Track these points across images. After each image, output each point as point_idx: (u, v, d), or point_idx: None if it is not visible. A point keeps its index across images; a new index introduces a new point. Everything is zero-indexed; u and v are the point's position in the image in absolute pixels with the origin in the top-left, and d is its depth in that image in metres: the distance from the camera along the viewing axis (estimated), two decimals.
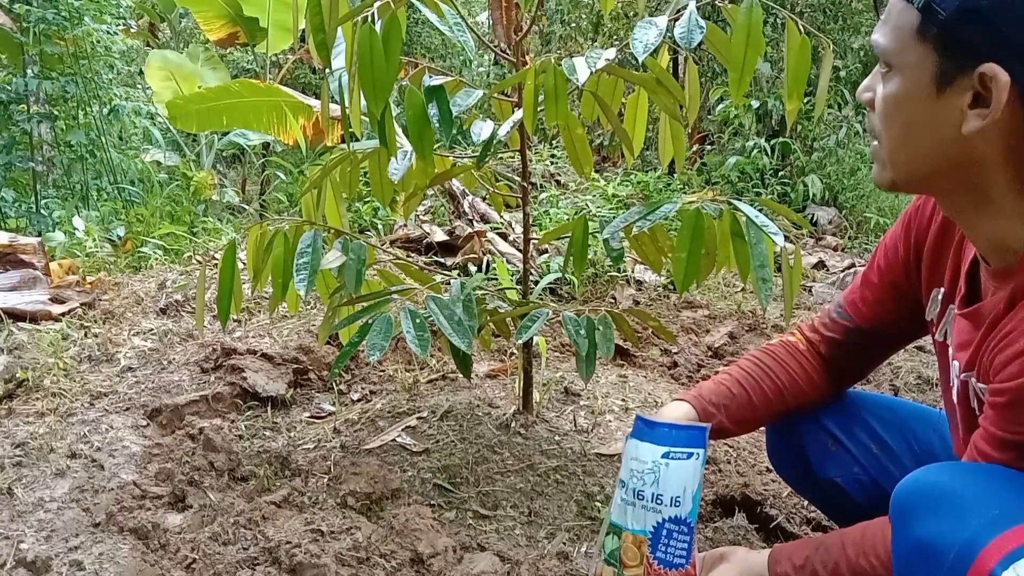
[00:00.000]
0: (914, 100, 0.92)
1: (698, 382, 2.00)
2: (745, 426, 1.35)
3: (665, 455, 1.16)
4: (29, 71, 4.15)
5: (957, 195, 0.97)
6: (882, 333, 1.28)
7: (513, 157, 1.85)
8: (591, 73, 1.35)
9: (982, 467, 0.94)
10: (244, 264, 2.01)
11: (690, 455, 1.16)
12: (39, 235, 3.48)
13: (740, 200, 1.44)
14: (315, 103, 4.01)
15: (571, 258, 1.65)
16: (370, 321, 1.53)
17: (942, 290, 1.13)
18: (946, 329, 1.11)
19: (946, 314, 1.11)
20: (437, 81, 1.46)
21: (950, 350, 1.08)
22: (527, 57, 1.71)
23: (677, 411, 1.27)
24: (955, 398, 1.07)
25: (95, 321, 2.47)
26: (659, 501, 1.15)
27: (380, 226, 3.62)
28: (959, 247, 1.09)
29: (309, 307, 2.61)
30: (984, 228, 0.97)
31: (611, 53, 1.39)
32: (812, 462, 1.37)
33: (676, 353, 2.55)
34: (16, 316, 2.41)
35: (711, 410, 1.28)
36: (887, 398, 1.49)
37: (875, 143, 1.00)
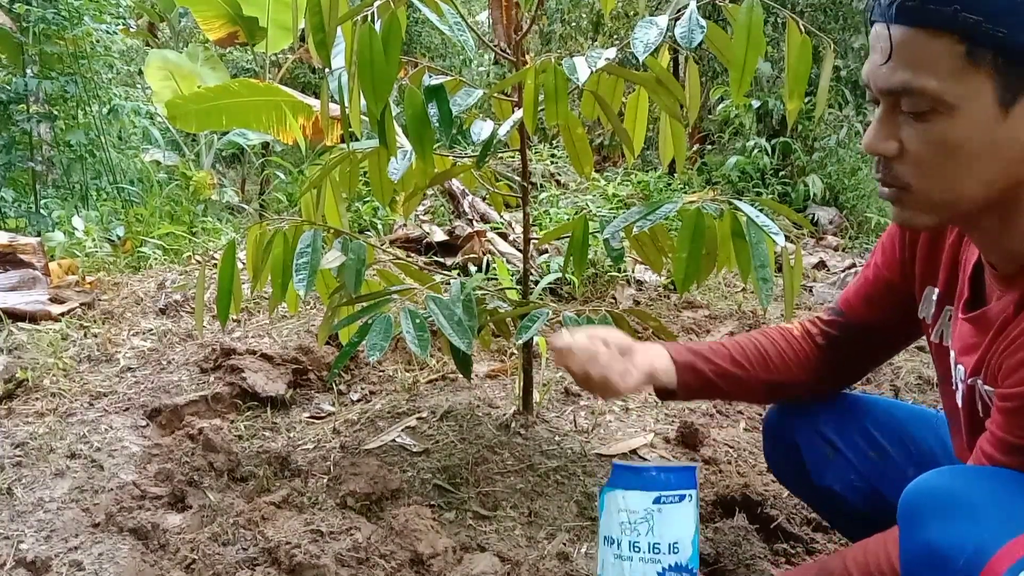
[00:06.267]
0: (978, 132, 0.85)
1: None
2: (728, 381, 1.29)
3: (656, 500, 1.11)
4: (29, 71, 4.15)
5: (989, 216, 0.92)
6: (875, 330, 1.27)
7: (513, 157, 1.85)
8: (591, 73, 1.35)
9: (991, 471, 0.93)
10: (244, 264, 2.01)
11: (682, 497, 1.12)
12: (39, 235, 3.48)
13: (740, 200, 1.44)
14: (315, 103, 4.00)
15: (571, 258, 1.65)
16: (370, 321, 1.53)
17: (936, 290, 1.11)
18: (943, 331, 1.10)
19: (942, 315, 1.11)
20: (437, 81, 1.46)
21: (951, 353, 1.07)
22: (527, 57, 1.71)
23: (652, 352, 1.26)
24: (959, 402, 1.06)
25: (95, 321, 2.47)
26: (656, 550, 1.10)
27: (380, 226, 3.61)
28: (956, 247, 1.08)
29: (309, 307, 2.61)
30: (1004, 240, 0.93)
31: (611, 53, 1.38)
32: (810, 470, 1.35)
33: None
34: (16, 316, 2.41)
35: (688, 356, 1.26)
36: (885, 401, 1.48)
37: (892, 190, 0.92)
